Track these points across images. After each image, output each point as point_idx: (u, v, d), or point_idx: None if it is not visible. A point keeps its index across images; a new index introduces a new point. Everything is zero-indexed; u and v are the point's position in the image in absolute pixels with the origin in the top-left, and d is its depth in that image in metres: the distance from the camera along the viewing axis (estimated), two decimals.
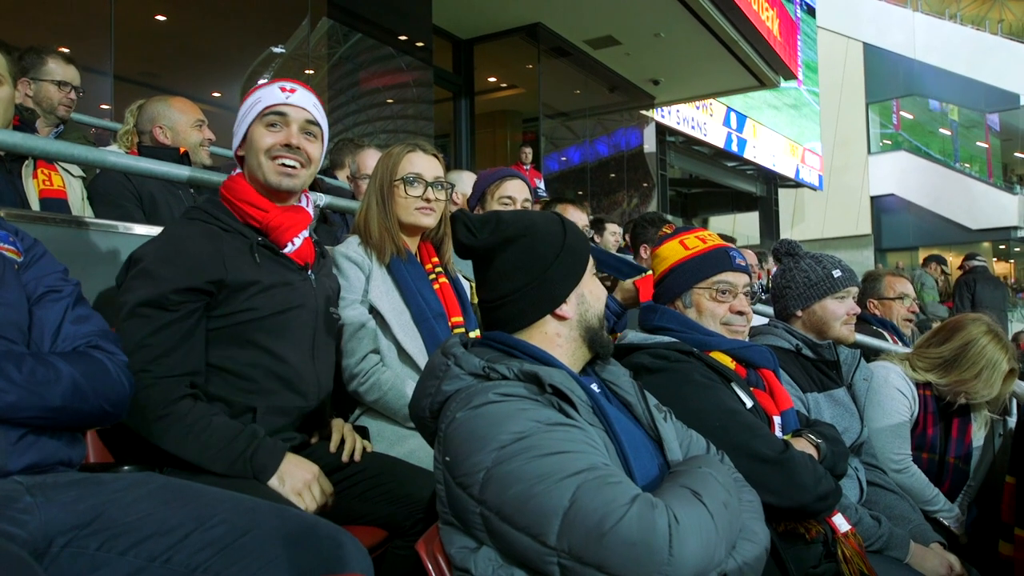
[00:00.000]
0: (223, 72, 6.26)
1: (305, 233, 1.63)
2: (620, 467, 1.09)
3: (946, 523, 2.14)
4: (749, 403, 1.55)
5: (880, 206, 21.92)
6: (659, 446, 1.23)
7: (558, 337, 1.23)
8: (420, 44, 7.93)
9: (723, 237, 4.22)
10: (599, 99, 11.19)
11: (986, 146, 22.86)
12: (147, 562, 1.04)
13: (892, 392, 2.19)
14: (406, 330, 1.83)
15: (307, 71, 6.72)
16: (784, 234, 18.81)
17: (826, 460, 1.52)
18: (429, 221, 1.93)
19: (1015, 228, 20.05)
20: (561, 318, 1.22)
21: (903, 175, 21.46)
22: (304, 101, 1.59)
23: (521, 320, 1.23)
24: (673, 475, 1.11)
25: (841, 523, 1.48)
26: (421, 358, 1.80)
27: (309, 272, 1.64)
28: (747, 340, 1.71)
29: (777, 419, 1.59)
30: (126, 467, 1.37)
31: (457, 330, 1.88)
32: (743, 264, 1.68)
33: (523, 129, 10.75)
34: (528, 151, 8.30)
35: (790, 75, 11.74)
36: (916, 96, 22.20)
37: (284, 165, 1.56)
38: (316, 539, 1.13)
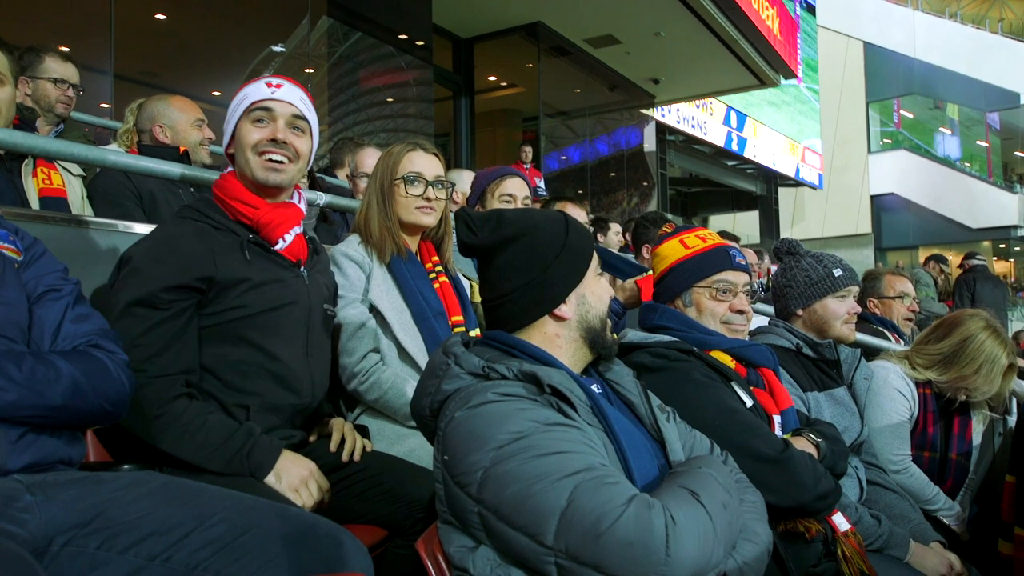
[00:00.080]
0: (223, 71, 6.25)
1: (297, 229, 1.62)
2: (619, 468, 1.09)
3: (947, 522, 2.14)
4: (749, 402, 1.55)
5: (880, 205, 21.92)
6: (661, 446, 1.23)
7: (557, 338, 1.22)
8: (420, 43, 7.92)
9: (726, 235, 4.22)
10: (599, 98, 11.18)
11: (986, 145, 22.85)
12: (147, 561, 1.04)
13: (892, 393, 2.19)
14: (406, 329, 1.82)
15: (307, 70, 6.72)
16: (784, 233, 18.81)
17: (826, 459, 1.52)
18: (429, 220, 1.93)
19: (1015, 227, 20.05)
20: (560, 319, 1.22)
21: (903, 174, 21.45)
22: (290, 96, 1.59)
23: (520, 320, 1.22)
24: (673, 476, 1.11)
25: (841, 522, 1.48)
26: (421, 357, 1.80)
27: (302, 269, 1.63)
28: (747, 339, 1.71)
29: (777, 418, 1.59)
30: (126, 466, 1.37)
31: (457, 329, 1.88)
32: (743, 263, 1.68)
33: (523, 128, 10.73)
34: (528, 150, 8.29)
35: (790, 74, 11.74)
36: (917, 95, 22.19)
37: (271, 160, 1.55)
38: (316, 538, 1.13)
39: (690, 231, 1.74)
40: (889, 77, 21.73)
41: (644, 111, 12.28)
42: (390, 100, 7.83)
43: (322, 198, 2.50)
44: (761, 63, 10.61)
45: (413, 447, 1.75)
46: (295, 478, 1.42)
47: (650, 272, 1.91)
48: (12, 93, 1.62)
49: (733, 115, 15.13)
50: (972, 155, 22.80)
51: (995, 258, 22.87)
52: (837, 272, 1.98)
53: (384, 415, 1.80)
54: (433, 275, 1.95)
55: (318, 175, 3.57)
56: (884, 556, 1.64)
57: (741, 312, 1.65)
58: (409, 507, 1.51)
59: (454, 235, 2.03)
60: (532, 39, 9.46)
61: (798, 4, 14.28)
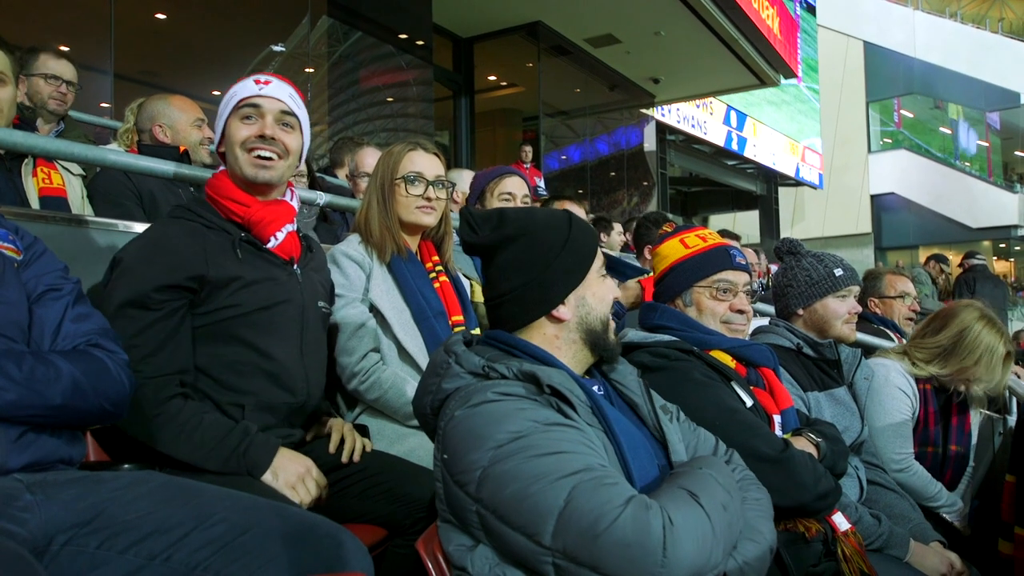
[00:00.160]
0: (223, 70, 6.24)
1: (290, 227, 1.62)
2: (619, 468, 1.09)
3: (949, 518, 2.15)
4: (749, 402, 1.55)
5: (880, 205, 21.92)
6: (664, 447, 1.22)
7: (556, 339, 1.21)
8: (420, 42, 7.92)
9: (726, 234, 4.21)
10: (599, 97, 11.18)
11: (986, 145, 22.85)
12: (147, 560, 1.04)
13: (893, 391, 2.19)
14: (406, 329, 1.82)
15: (307, 69, 6.71)
16: (784, 233, 18.80)
17: (826, 459, 1.52)
18: (430, 220, 1.93)
19: (1015, 227, 20.05)
20: (558, 320, 1.21)
21: (903, 174, 21.45)
22: (279, 92, 1.58)
23: (518, 320, 1.22)
24: (673, 476, 1.10)
25: (841, 522, 1.47)
26: (421, 357, 1.80)
27: (295, 267, 1.63)
28: (747, 339, 1.71)
29: (777, 418, 1.59)
30: (126, 465, 1.36)
31: (457, 329, 1.88)
32: (743, 263, 1.68)
33: (523, 128, 10.73)
34: (528, 149, 8.28)
35: (790, 73, 11.74)
36: (917, 95, 22.19)
37: (260, 157, 1.55)
38: (316, 538, 1.12)
39: (690, 230, 1.74)
40: (889, 77, 21.73)
41: (644, 111, 12.27)
42: (390, 100, 7.83)
43: (322, 198, 2.50)
44: (761, 63, 10.61)
45: (413, 447, 1.75)
46: (292, 475, 1.42)
47: (648, 274, 1.91)
48: (13, 93, 1.61)
49: (733, 115, 15.13)
50: (972, 155, 22.79)
51: (995, 258, 22.87)
52: (838, 272, 1.98)
53: (384, 415, 1.80)
54: (433, 275, 1.95)
55: (318, 175, 3.56)
56: (884, 556, 1.64)
57: (741, 312, 1.65)
58: (409, 507, 1.51)
59: (455, 235, 2.05)
60: (532, 39, 9.46)
61: (798, 4, 14.28)
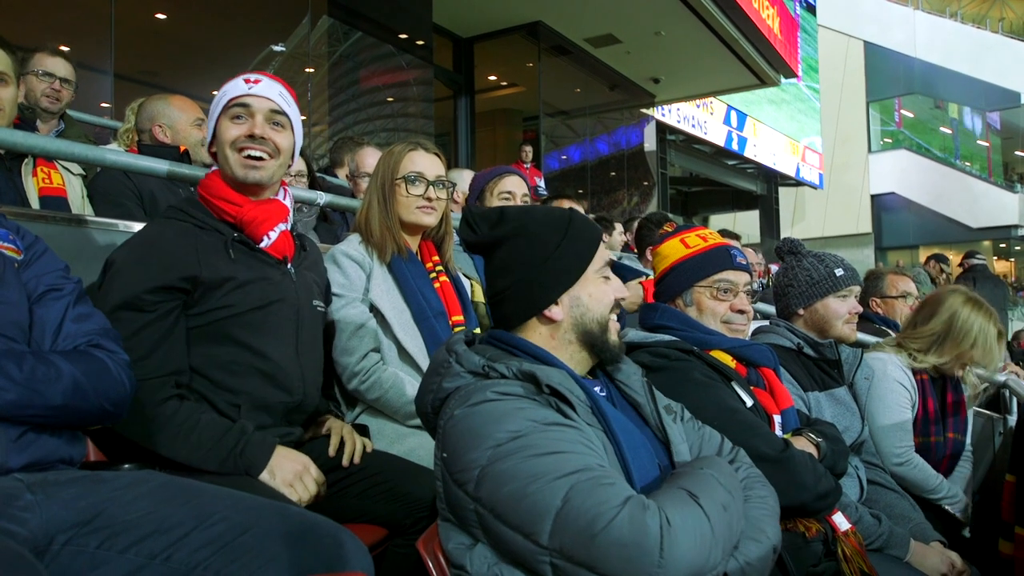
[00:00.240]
0: (223, 70, 6.23)
1: (283, 226, 1.61)
2: (618, 468, 1.08)
3: (951, 510, 2.15)
4: (749, 402, 1.54)
5: (880, 204, 21.92)
6: (667, 448, 1.21)
7: (552, 339, 1.20)
8: (420, 42, 7.92)
9: (727, 234, 4.22)
10: (599, 97, 11.18)
11: (986, 144, 22.85)
12: (147, 560, 1.04)
13: (892, 385, 2.20)
14: (406, 329, 1.82)
15: (307, 69, 6.72)
16: (784, 233, 18.81)
17: (826, 459, 1.52)
18: (430, 220, 1.93)
19: (1015, 227, 20.05)
20: (550, 320, 1.19)
21: (903, 173, 21.45)
22: (268, 91, 1.58)
23: (513, 319, 1.21)
24: (673, 477, 1.10)
25: (841, 522, 1.47)
26: (421, 357, 1.80)
27: (288, 266, 1.62)
28: (747, 339, 1.71)
29: (777, 418, 1.59)
30: (126, 465, 1.36)
31: (458, 329, 1.88)
32: (744, 262, 1.67)
33: (523, 127, 10.73)
34: (528, 149, 8.28)
35: (790, 73, 11.74)
36: (917, 95, 22.19)
37: (250, 157, 1.54)
38: (316, 537, 1.12)
39: (691, 230, 1.74)
40: (889, 76, 21.74)
41: (644, 110, 12.28)
42: (390, 99, 7.83)
43: (322, 198, 2.50)
44: (761, 62, 10.61)
45: (413, 446, 1.75)
46: (289, 473, 1.42)
47: (647, 276, 1.91)
48: (15, 92, 1.62)
49: (733, 114, 15.13)
50: (972, 154, 22.79)
51: (995, 257, 22.87)
52: (839, 272, 1.98)
53: (384, 414, 1.80)
54: (433, 275, 1.95)
55: (318, 175, 3.56)
56: (884, 555, 1.64)
57: (742, 312, 1.65)
58: (409, 506, 1.51)
59: (455, 235, 2.04)
60: (532, 38, 9.46)
61: (798, 3, 14.27)
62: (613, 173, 11.70)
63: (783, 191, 19.10)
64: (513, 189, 2.44)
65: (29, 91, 2.78)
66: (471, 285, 2.18)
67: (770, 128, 16.56)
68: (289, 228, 1.65)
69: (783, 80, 12.02)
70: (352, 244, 1.88)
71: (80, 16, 5.28)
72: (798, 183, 18.73)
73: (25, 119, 2.54)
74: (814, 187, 19.42)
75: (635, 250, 4.36)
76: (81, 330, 1.22)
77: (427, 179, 1.90)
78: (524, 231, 1.19)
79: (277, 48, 6.45)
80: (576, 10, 8.91)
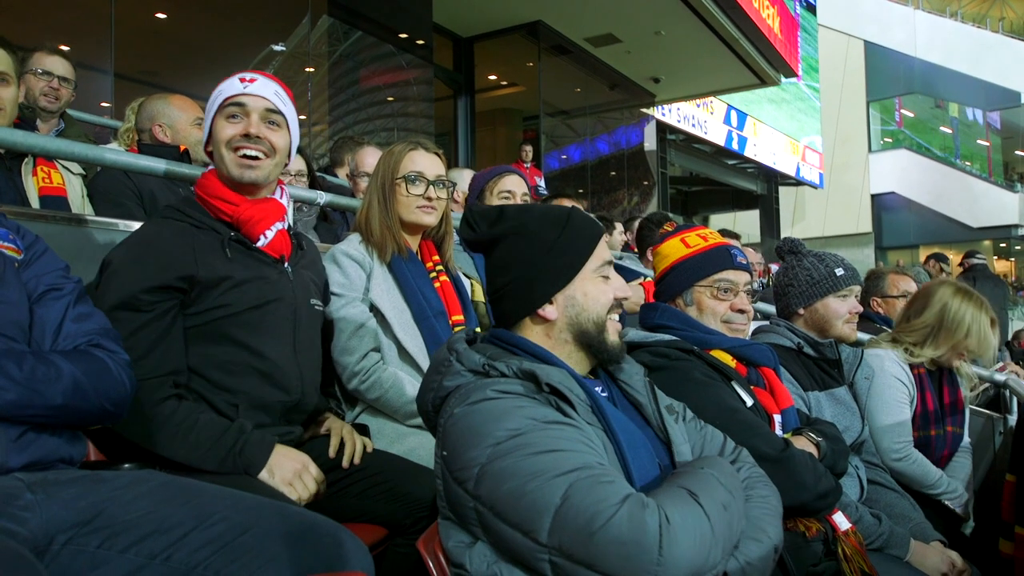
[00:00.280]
0: (223, 70, 6.19)
1: (280, 225, 1.61)
2: (618, 467, 1.08)
3: (951, 505, 2.15)
4: (749, 401, 1.54)
5: (881, 204, 21.92)
6: (669, 447, 1.21)
7: (548, 338, 1.20)
8: (420, 42, 7.92)
9: (727, 233, 4.22)
10: (599, 97, 11.18)
11: (987, 144, 22.84)
12: (147, 560, 1.04)
13: (890, 380, 2.20)
14: (407, 329, 1.82)
15: (307, 69, 6.71)
16: (785, 232, 18.80)
17: (826, 458, 1.52)
18: (430, 219, 1.93)
19: (1016, 226, 20.05)
20: (544, 319, 1.19)
21: (904, 173, 21.45)
22: (264, 90, 1.57)
23: (509, 318, 1.21)
24: (674, 476, 1.10)
25: (841, 521, 1.47)
26: (421, 356, 1.80)
27: (286, 265, 1.62)
28: (748, 338, 1.71)
29: (777, 417, 1.59)
30: (126, 465, 1.36)
31: (458, 328, 1.88)
32: (744, 262, 1.68)
33: (523, 127, 10.74)
34: (528, 149, 8.28)
35: (791, 73, 11.74)
36: (917, 94, 22.19)
37: (245, 156, 1.54)
38: (316, 537, 1.13)
39: (691, 230, 1.74)
40: (890, 76, 21.73)
41: (644, 110, 12.27)
42: (390, 99, 7.83)
43: (322, 197, 2.50)
44: (761, 62, 10.61)
45: (413, 446, 1.75)
46: (288, 472, 1.43)
47: (646, 277, 1.91)
48: (15, 92, 1.62)
49: (733, 114, 15.12)
50: (972, 154, 22.79)
51: (995, 257, 22.86)
52: (839, 271, 1.98)
53: (384, 414, 1.80)
54: (434, 274, 1.95)
55: (318, 174, 3.56)
56: (885, 555, 1.64)
57: (742, 311, 1.65)
58: (409, 506, 1.51)
59: (455, 234, 2.04)
60: (532, 38, 9.46)
61: (798, 3, 14.26)
62: (613, 173, 11.70)
63: (783, 191, 19.09)
64: (513, 188, 2.44)
65: (28, 90, 2.78)
66: (471, 284, 2.18)
67: (770, 128, 16.55)
68: (286, 227, 1.64)
69: (783, 80, 12.01)
70: (352, 244, 1.88)
71: (80, 16, 5.28)
72: (798, 183, 18.72)
73: (25, 119, 2.54)
74: (814, 187, 19.41)
75: (635, 250, 4.36)
76: (81, 330, 1.22)
77: (427, 179, 1.90)
78: (522, 229, 1.19)
79: (277, 48, 6.45)
80: (576, 10, 8.91)
